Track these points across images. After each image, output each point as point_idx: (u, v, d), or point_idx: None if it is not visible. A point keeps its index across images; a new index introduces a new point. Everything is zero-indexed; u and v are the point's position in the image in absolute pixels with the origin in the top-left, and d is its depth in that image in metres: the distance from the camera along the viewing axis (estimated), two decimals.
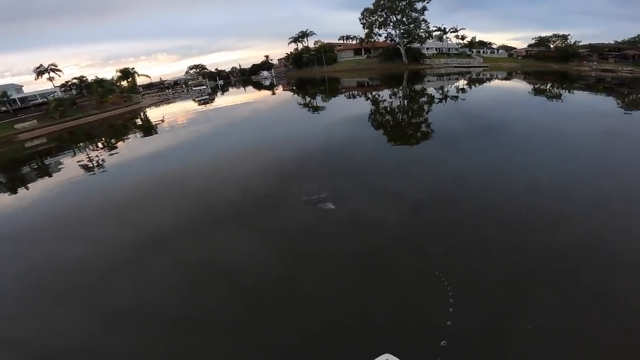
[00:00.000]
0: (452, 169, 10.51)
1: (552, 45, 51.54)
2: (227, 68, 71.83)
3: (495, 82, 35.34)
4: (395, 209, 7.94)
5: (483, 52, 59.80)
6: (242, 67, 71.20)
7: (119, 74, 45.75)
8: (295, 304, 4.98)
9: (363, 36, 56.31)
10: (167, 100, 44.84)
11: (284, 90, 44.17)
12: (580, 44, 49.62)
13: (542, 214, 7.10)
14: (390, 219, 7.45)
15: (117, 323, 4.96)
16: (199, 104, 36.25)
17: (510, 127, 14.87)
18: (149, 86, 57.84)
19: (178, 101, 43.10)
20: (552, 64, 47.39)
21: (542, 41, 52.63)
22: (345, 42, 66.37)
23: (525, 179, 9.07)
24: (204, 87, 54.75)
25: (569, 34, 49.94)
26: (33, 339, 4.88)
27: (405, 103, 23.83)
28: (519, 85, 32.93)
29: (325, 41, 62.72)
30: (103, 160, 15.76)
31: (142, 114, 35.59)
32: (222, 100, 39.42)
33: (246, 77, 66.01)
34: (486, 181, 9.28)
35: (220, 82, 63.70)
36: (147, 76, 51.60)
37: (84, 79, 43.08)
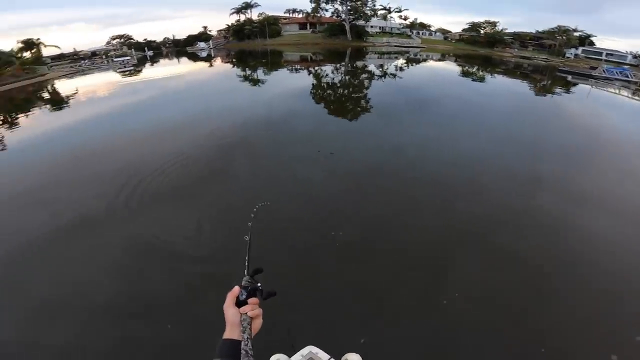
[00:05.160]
0: (388, 139, 11.04)
1: (482, 31, 56.00)
2: (159, 39, 63.70)
3: (430, 63, 37.46)
4: (335, 178, 8.03)
5: (422, 33, 62.58)
6: (175, 37, 63.98)
7: (20, 44, 39.21)
8: None
9: (309, 10, 54.67)
10: (82, 72, 38.56)
11: (222, 62, 41.05)
12: (506, 31, 54.73)
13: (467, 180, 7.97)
14: (332, 188, 7.53)
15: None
16: (123, 76, 31.95)
17: (440, 101, 16.11)
18: (60, 57, 49.14)
19: (96, 73, 37.37)
20: (479, 49, 51.81)
21: (474, 26, 56.88)
22: (291, 15, 63.87)
23: (453, 149, 10.16)
24: (128, 57, 48.26)
25: (498, 21, 54.73)
26: None
27: (347, 78, 23.94)
28: (450, 67, 35.38)
29: (270, 13, 59.47)
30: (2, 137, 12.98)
31: (49, 86, 30.24)
32: (151, 72, 35.25)
33: (180, 48, 59.56)
34: (421, 151, 10.03)
35: (150, 52, 56.53)
36: (56, 47, 45.09)
37: None
